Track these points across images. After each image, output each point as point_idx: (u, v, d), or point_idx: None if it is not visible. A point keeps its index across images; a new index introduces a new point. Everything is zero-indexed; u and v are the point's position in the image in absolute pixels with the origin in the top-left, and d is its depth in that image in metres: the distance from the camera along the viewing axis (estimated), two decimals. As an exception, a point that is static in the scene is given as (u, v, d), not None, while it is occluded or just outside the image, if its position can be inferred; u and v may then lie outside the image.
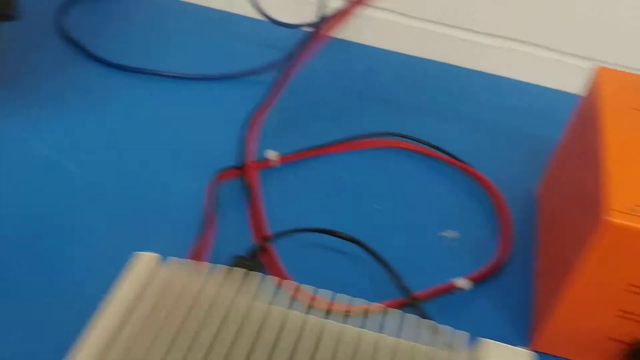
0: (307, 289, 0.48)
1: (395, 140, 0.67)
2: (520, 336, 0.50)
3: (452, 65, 0.81)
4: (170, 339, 0.33)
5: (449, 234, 0.58)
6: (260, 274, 0.38)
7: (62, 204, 0.53)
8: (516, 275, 0.56)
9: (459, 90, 0.76)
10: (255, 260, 0.49)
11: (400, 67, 0.79)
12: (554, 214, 0.55)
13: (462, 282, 0.52)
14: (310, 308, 0.38)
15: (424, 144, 0.66)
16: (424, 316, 0.48)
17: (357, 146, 0.65)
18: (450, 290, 0.52)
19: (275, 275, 0.50)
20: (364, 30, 0.81)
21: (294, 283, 0.49)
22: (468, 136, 0.69)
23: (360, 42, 0.82)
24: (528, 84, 0.80)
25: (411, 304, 0.49)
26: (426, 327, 0.37)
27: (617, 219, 0.40)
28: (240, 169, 0.58)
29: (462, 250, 0.57)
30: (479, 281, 0.53)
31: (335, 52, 0.78)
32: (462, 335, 0.37)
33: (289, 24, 0.75)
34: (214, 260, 0.49)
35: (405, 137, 0.66)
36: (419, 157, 0.66)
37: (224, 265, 0.44)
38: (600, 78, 0.53)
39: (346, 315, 0.44)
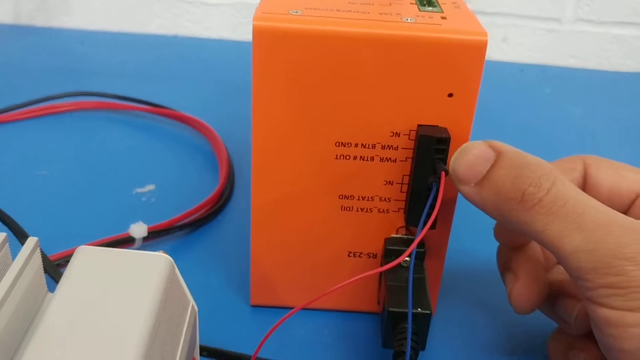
0: None
1: (81, 102, 0.50)
2: (240, 284, 0.34)
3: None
4: None
5: (145, 188, 0.41)
6: None
7: None
8: (237, 219, 0.40)
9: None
10: None
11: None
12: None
13: (137, 230, 0.35)
14: None
15: (116, 98, 0.50)
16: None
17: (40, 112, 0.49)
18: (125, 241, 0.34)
19: None
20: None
21: None
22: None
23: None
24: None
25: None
26: None
27: (264, 22, 0.26)
28: None
29: (164, 201, 0.40)
30: (190, 227, 0.38)
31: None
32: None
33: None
34: None
35: (91, 95, 0.50)
36: (117, 117, 0.50)
37: None
38: None
39: None
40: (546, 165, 0.25)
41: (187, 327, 0.24)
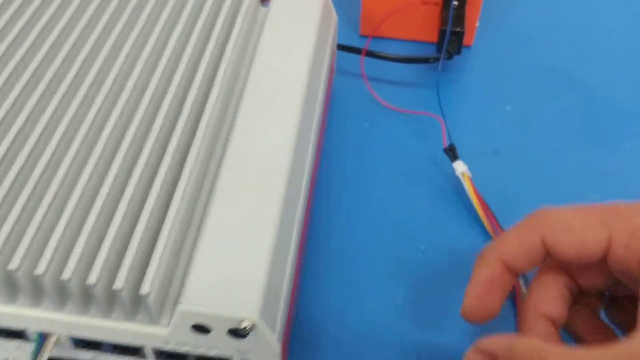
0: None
1: None
2: (353, 23, 0.55)
3: None
4: None
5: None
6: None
7: None
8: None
9: None
10: None
11: None
12: None
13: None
14: None
15: None
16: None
17: None
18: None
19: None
20: None
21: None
22: None
23: None
24: None
25: None
26: None
27: None
28: None
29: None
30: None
31: None
32: None
33: None
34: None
35: None
36: None
37: None
38: None
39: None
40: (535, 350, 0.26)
41: (331, 34, 0.45)
